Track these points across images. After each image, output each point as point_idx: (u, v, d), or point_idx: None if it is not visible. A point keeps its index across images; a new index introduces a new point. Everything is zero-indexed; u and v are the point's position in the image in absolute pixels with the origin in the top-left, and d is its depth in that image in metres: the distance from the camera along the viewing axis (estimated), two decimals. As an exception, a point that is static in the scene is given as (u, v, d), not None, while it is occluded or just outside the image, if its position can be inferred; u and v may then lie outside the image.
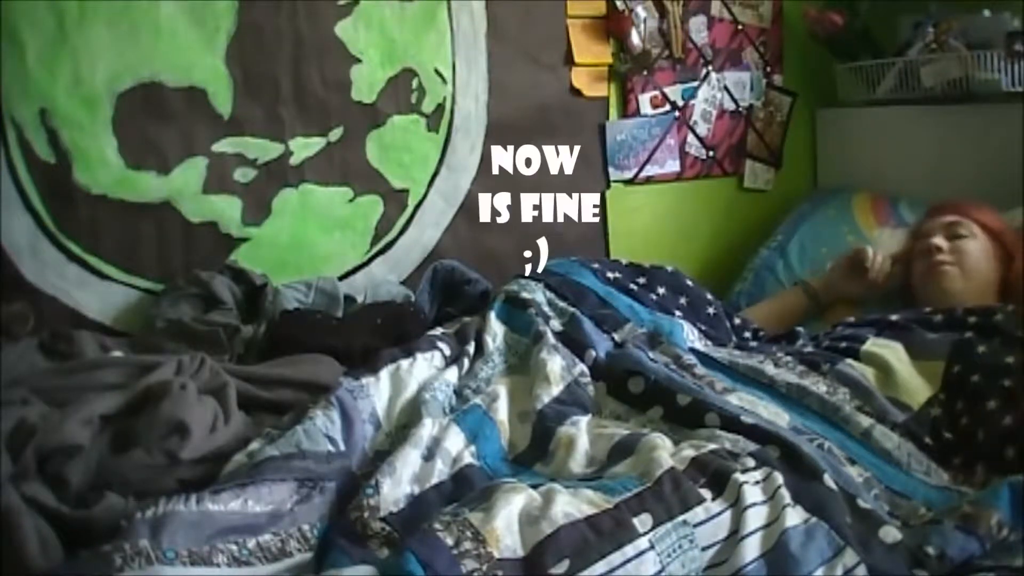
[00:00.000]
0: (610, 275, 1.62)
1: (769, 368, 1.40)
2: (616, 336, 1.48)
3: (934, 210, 1.82)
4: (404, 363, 1.34)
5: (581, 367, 1.36)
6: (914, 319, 1.53)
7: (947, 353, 1.38)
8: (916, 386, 1.35)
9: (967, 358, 1.36)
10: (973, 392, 1.30)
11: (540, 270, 1.65)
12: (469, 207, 2.01)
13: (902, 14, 2.14)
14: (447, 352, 1.41)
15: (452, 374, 1.35)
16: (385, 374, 1.30)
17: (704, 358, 1.45)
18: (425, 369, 1.35)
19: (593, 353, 1.39)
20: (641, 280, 1.65)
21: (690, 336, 1.53)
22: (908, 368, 1.39)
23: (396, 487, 1.05)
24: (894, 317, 1.56)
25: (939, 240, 1.70)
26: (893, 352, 1.42)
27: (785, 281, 2.04)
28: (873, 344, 1.45)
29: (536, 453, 1.20)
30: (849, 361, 1.40)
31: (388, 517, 0.99)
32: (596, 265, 1.66)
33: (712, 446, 1.09)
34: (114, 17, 1.63)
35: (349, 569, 0.87)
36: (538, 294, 1.55)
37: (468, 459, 1.15)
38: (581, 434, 1.18)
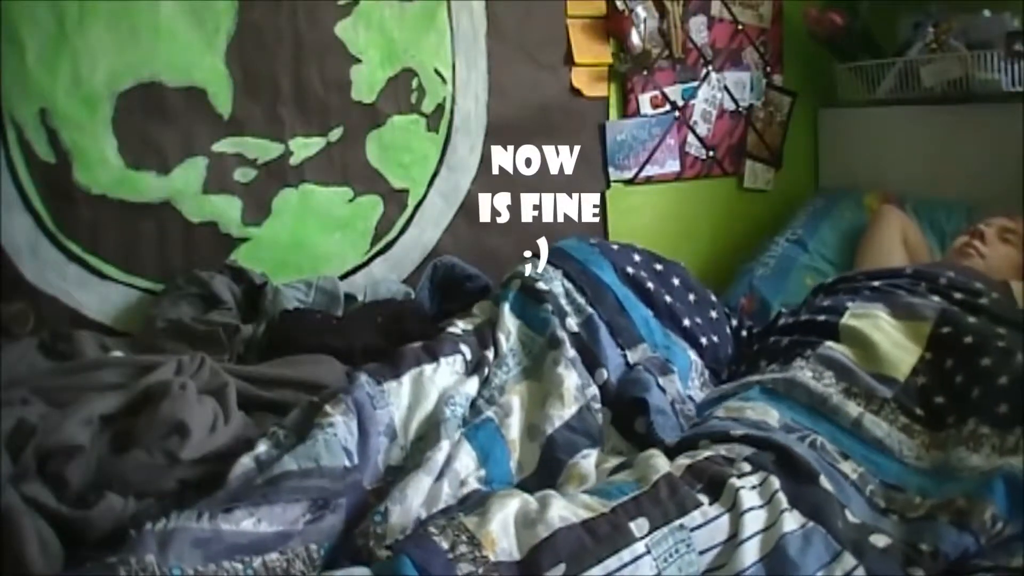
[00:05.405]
0: (629, 269, 1.59)
1: (755, 378, 1.39)
2: (629, 355, 1.45)
3: (1005, 213, 1.82)
4: (428, 368, 1.31)
5: (594, 390, 1.35)
6: (896, 284, 1.54)
7: (935, 317, 1.38)
8: (899, 356, 1.34)
9: (958, 323, 1.36)
10: (967, 350, 1.30)
11: (556, 249, 1.62)
12: (469, 207, 2.01)
13: (902, 14, 2.14)
14: (468, 356, 1.39)
15: (472, 386, 1.33)
16: (408, 379, 1.28)
17: (700, 407, 1.43)
18: (447, 375, 1.33)
19: (604, 373, 1.38)
20: (658, 267, 1.63)
21: (692, 373, 1.52)
22: (889, 335, 1.38)
23: (405, 516, 1.04)
24: (876, 283, 1.56)
25: (988, 230, 1.75)
26: (872, 321, 1.41)
27: (807, 272, 2.04)
28: (851, 315, 1.44)
29: (543, 482, 1.19)
30: (829, 344, 1.39)
31: (393, 545, 0.98)
32: (614, 251, 1.62)
33: (707, 453, 1.09)
34: (114, 17, 1.63)
35: (344, 570, 0.87)
36: (555, 284, 1.51)
37: (474, 484, 1.15)
38: (590, 474, 1.18)
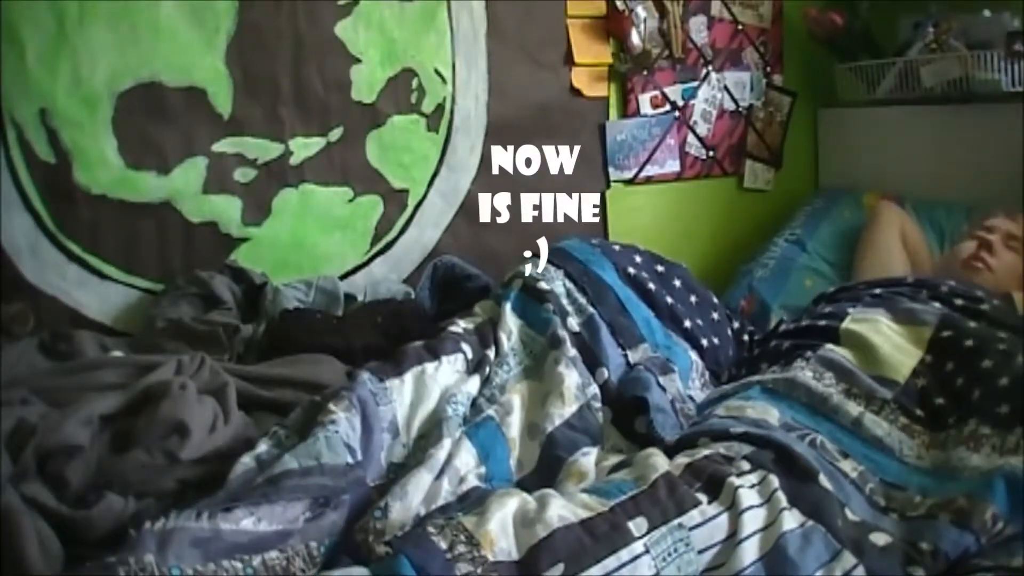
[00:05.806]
0: (631, 270, 1.59)
1: (755, 377, 1.39)
2: (630, 355, 1.45)
3: (1008, 213, 1.83)
4: (430, 367, 1.32)
5: (594, 389, 1.35)
6: (897, 291, 1.55)
7: (936, 322, 1.39)
8: (899, 359, 1.35)
9: (959, 327, 1.36)
10: (968, 353, 1.30)
11: (557, 249, 1.62)
12: (469, 207, 2.01)
13: (902, 14, 2.14)
14: (469, 355, 1.39)
15: (474, 385, 1.33)
16: (410, 377, 1.28)
17: (700, 407, 1.43)
18: (449, 373, 1.33)
19: (605, 372, 1.38)
20: (660, 269, 1.64)
21: (693, 374, 1.52)
22: (890, 339, 1.39)
23: (405, 512, 1.04)
24: (877, 290, 1.57)
25: (995, 238, 1.74)
26: (873, 324, 1.42)
27: (807, 273, 2.04)
28: (852, 320, 1.45)
29: (542, 480, 1.20)
30: (829, 346, 1.40)
31: (393, 540, 0.98)
32: (616, 252, 1.63)
33: (706, 452, 1.09)
34: (114, 17, 1.63)
35: (341, 570, 0.87)
36: (557, 284, 1.51)
37: (474, 482, 1.15)
38: (590, 472, 1.18)
